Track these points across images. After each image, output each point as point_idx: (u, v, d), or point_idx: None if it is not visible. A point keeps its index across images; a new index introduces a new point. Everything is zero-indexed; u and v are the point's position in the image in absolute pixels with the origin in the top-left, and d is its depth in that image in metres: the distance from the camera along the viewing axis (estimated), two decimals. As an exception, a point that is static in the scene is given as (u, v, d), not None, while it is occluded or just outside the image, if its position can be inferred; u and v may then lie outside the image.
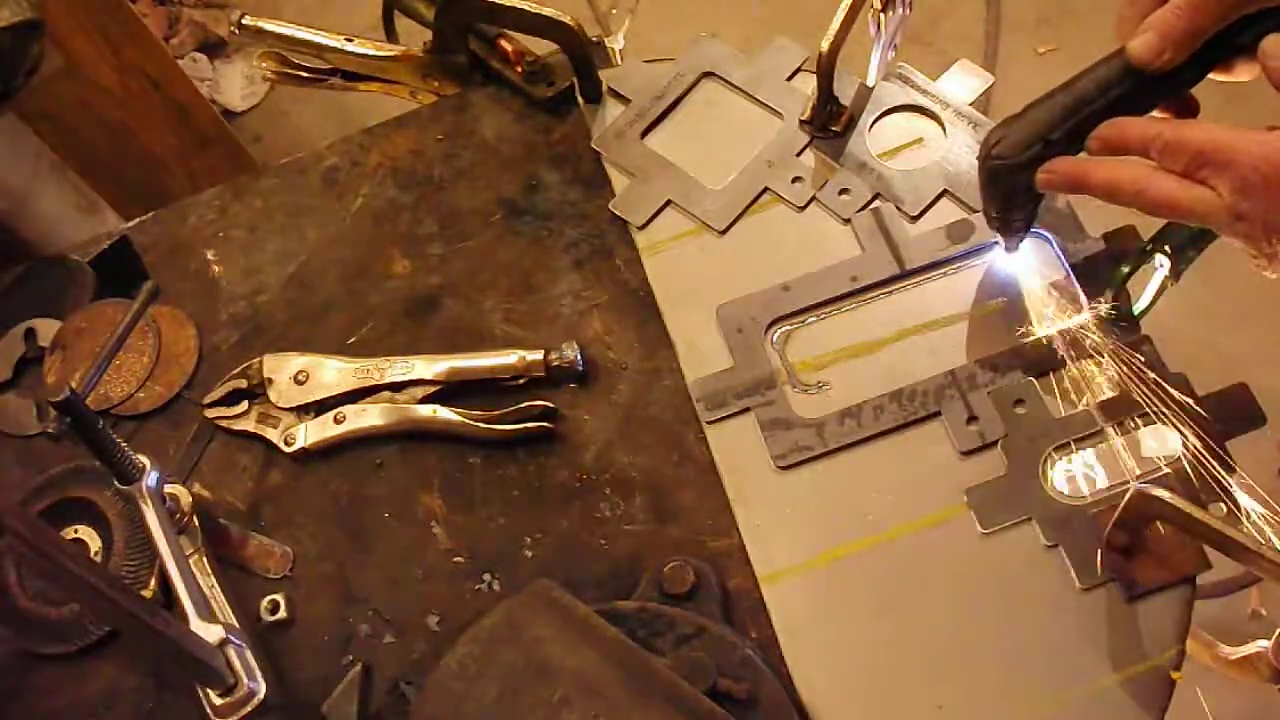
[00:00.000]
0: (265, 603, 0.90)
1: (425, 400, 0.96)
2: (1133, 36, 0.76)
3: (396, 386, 0.96)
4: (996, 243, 0.91)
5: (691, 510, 0.90)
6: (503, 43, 1.09)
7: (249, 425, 0.97)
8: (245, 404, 0.98)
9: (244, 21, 1.12)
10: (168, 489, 0.89)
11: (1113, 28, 0.78)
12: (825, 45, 0.94)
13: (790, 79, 1.06)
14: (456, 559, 0.91)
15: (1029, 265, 0.92)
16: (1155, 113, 0.79)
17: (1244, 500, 0.82)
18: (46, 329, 1.04)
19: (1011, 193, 0.83)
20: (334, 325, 1.02)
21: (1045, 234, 0.93)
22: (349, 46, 1.11)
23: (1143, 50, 0.75)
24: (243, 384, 0.98)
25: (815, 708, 0.81)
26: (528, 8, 1.01)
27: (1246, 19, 0.74)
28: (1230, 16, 0.74)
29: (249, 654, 0.82)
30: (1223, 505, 0.82)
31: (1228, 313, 1.99)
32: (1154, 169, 0.76)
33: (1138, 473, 0.84)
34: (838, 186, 0.99)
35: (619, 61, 1.12)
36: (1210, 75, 0.78)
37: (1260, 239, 0.72)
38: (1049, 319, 0.90)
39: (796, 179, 1.01)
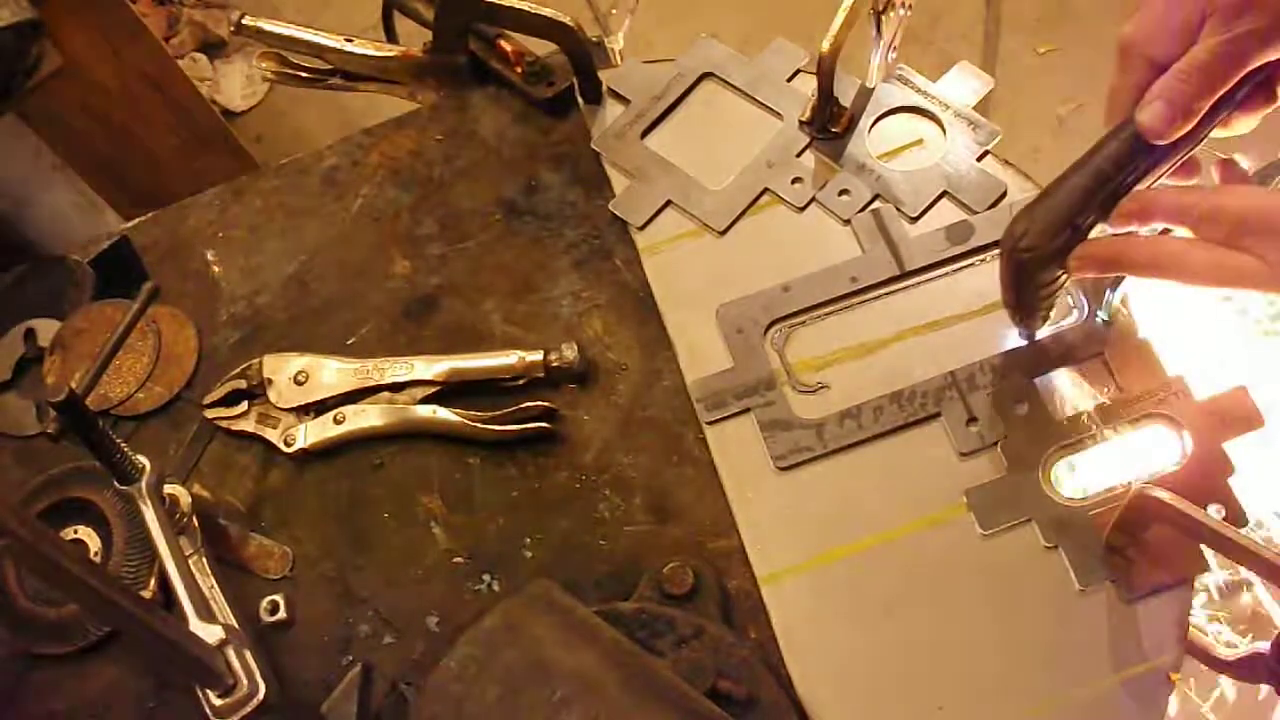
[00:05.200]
0: (265, 603, 0.90)
1: (425, 401, 0.96)
2: (1136, 108, 0.75)
3: (396, 387, 0.96)
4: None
5: (691, 510, 0.90)
6: (503, 43, 1.09)
7: (249, 425, 0.97)
8: (245, 404, 0.98)
9: (244, 21, 1.12)
10: (167, 489, 0.89)
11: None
12: (825, 46, 0.94)
13: (790, 80, 1.06)
14: (456, 559, 0.91)
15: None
16: (1166, 179, 0.79)
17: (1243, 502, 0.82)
18: (46, 329, 1.04)
19: (1040, 283, 0.82)
20: (334, 325, 1.02)
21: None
22: (349, 46, 1.11)
23: (1154, 120, 0.74)
24: (243, 384, 0.98)
25: (815, 708, 0.81)
26: (528, 8, 1.01)
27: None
28: (1235, 76, 0.73)
29: (249, 654, 0.82)
30: (1222, 506, 0.82)
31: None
32: (1191, 240, 0.74)
33: (1137, 474, 0.84)
34: (838, 187, 0.99)
35: (619, 61, 1.12)
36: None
37: None
38: (1049, 321, 0.90)
39: (796, 180, 1.01)
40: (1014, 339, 0.91)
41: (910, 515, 0.87)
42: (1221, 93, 0.74)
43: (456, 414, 0.94)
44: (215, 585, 0.88)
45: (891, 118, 1.03)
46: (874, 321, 0.94)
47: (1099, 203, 0.77)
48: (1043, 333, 0.90)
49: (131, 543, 0.91)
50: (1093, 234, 0.79)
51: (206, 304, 1.05)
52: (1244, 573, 1.32)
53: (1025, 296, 0.84)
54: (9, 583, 0.92)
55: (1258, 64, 0.73)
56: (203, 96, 1.99)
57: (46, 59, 1.11)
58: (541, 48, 1.08)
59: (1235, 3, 0.71)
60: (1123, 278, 0.89)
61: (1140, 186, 0.78)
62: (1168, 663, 0.80)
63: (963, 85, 1.03)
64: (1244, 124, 0.79)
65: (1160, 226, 0.77)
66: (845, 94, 1.02)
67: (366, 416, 0.96)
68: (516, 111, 1.10)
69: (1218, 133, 0.79)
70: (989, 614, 0.83)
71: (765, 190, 1.01)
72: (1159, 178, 0.79)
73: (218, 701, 0.80)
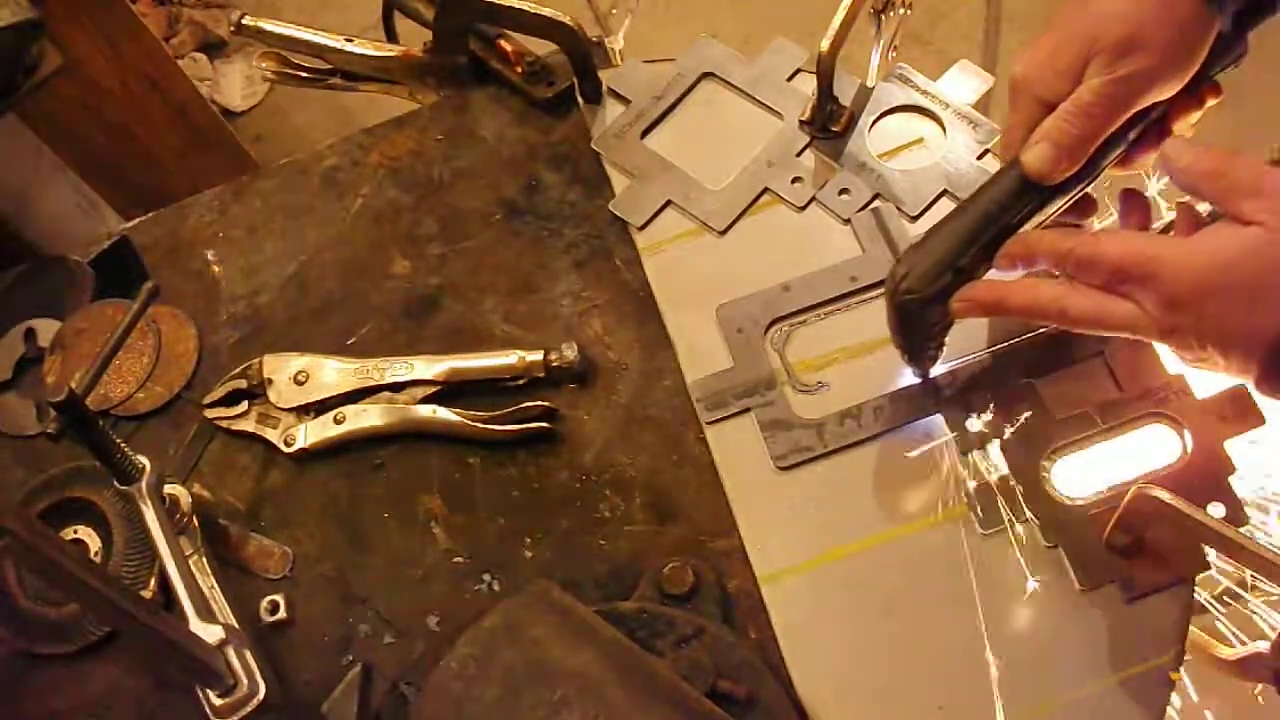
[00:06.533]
0: (265, 603, 0.90)
1: (425, 400, 0.96)
2: (1023, 147, 0.74)
3: (396, 387, 0.96)
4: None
5: (691, 510, 0.90)
6: (503, 43, 1.09)
7: (249, 425, 0.97)
8: (245, 404, 0.98)
9: (244, 21, 1.12)
10: (167, 489, 0.89)
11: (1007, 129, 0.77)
12: (825, 45, 0.94)
13: (790, 79, 1.06)
14: (456, 559, 0.91)
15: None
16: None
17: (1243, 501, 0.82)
18: (46, 329, 1.04)
19: (924, 325, 0.81)
20: (334, 325, 1.02)
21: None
22: (349, 46, 1.11)
23: (1038, 162, 0.74)
24: (243, 384, 0.98)
25: (815, 708, 0.81)
26: (528, 8, 1.02)
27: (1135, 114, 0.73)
28: (1121, 117, 0.73)
29: (249, 654, 0.82)
30: (1222, 505, 0.82)
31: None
32: (1071, 285, 0.73)
33: (1138, 473, 0.84)
34: (838, 187, 0.99)
35: (619, 61, 1.12)
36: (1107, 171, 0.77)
37: (1194, 347, 0.69)
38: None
39: (796, 179, 1.01)
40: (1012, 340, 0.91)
41: (910, 515, 0.87)
42: (1109, 133, 0.73)
43: (456, 414, 0.94)
44: (215, 585, 0.88)
45: (891, 117, 1.03)
46: (874, 321, 0.94)
47: (985, 244, 0.77)
48: (937, 370, 0.89)
49: (131, 543, 0.91)
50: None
51: (206, 304, 1.05)
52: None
53: (912, 338, 0.83)
54: (9, 583, 0.92)
55: (1145, 104, 0.72)
56: (203, 96, 1.99)
57: (46, 59, 1.10)
58: (541, 48, 1.08)
59: (1120, 43, 0.70)
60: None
61: (1030, 226, 0.77)
62: (1168, 663, 0.79)
63: (963, 84, 1.03)
64: (1141, 163, 0.78)
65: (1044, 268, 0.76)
66: (845, 93, 1.02)
67: (366, 416, 0.96)
68: (516, 111, 1.10)
69: (1119, 172, 0.78)
70: (989, 614, 0.83)
71: (765, 190, 1.01)
72: (1050, 217, 0.78)
73: (218, 701, 0.80)
